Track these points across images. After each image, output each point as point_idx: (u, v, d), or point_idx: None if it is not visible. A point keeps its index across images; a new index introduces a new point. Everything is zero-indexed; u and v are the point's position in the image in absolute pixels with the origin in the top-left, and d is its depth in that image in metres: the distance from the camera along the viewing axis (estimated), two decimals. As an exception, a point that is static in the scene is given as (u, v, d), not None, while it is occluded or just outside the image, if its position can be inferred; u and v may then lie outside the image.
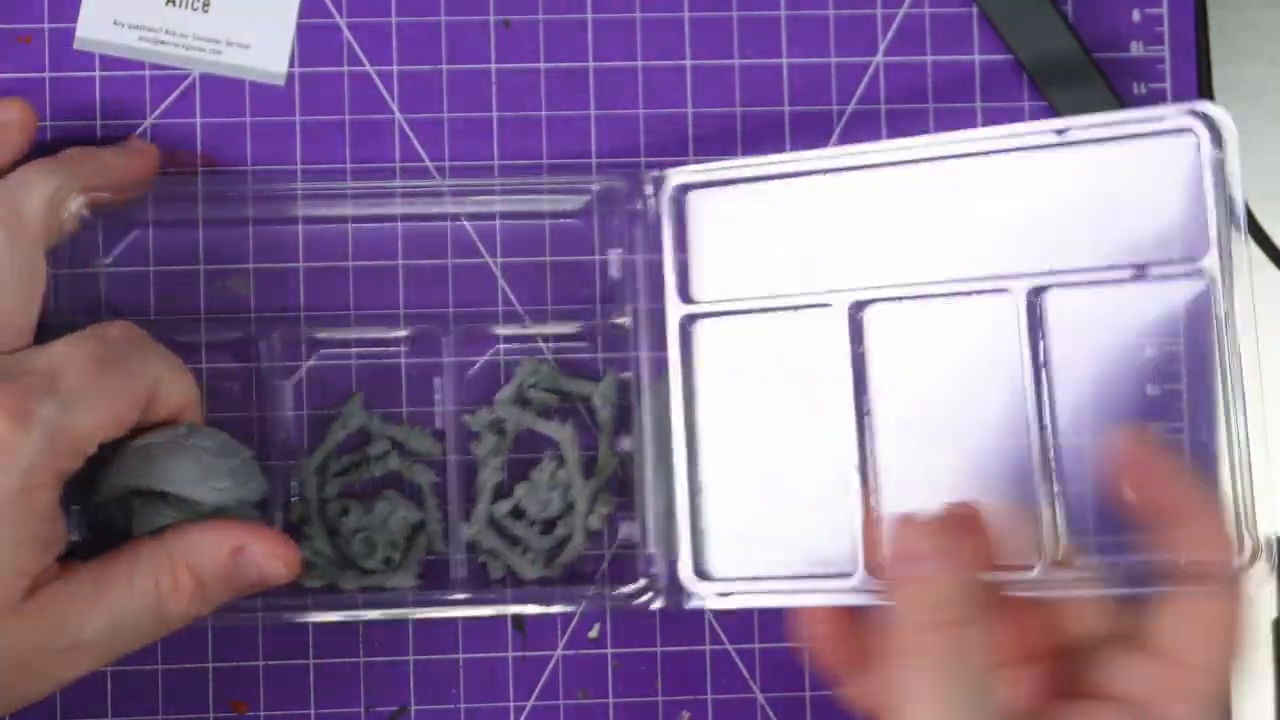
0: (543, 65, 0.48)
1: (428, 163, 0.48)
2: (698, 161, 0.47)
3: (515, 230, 0.48)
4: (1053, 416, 0.42)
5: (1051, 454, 0.41)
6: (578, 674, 0.48)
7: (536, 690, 0.48)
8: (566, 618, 0.48)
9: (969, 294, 0.43)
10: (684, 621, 0.47)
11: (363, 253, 0.47)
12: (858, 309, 0.44)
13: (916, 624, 0.38)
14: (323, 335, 0.47)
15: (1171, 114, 0.41)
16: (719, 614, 0.47)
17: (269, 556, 0.42)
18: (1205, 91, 0.49)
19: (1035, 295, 0.42)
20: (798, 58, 0.49)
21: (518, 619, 0.48)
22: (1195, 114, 0.40)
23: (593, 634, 0.48)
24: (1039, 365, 0.42)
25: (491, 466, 0.47)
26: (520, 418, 0.47)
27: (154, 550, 0.41)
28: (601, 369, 0.48)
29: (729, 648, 0.48)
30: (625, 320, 0.47)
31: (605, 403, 0.47)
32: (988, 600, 0.38)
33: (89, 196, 0.43)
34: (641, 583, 0.45)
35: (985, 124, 0.46)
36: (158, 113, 0.47)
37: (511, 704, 0.48)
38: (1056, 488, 0.41)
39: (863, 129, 0.49)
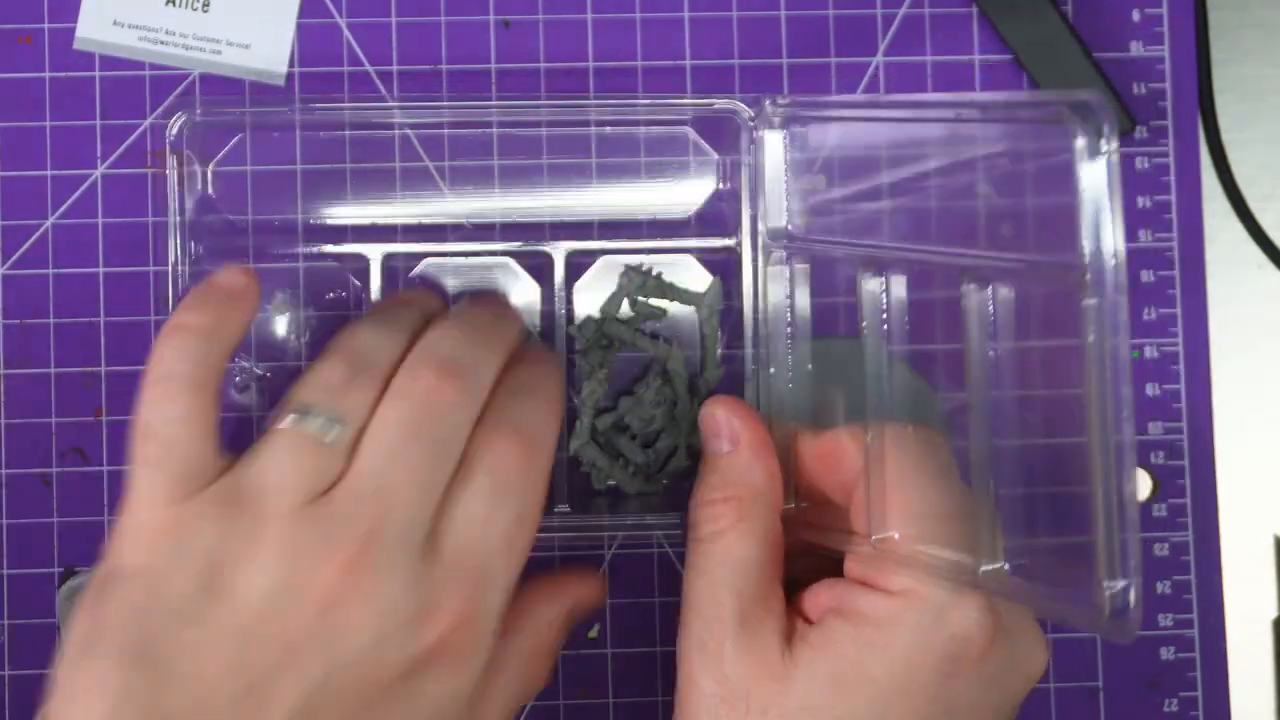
0: (543, 65, 0.48)
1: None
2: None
3: (621, 146, 0.48)
4: (994, 411, 0.40)
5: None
6: (578, 674, 0.48)
7: (536, 690, 0.48)
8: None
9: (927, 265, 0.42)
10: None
11: (465, 165, 0.48)
12: (866, 267, 0.43)
13: (705, 500, 0.42)
14: (428, 247, 0.47)
15: (1052, 101, 0.37)
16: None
17: (591, 597, 0.44)
18: (1205, 91, 0.49)
19: (972, 281, 0.40)
20: (798, 58, 0.49)
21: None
22: (1072, 105, 0.36)
23: (593, 634, 0.48)
24: (982, 354, 0.40)
25: (596, 379, 0.47)
26: (627, 333, 0.47)
27: (503, 657, 0.42)
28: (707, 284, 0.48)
29: (729, 648, 0.48)
30: (732, 241, 0.47)
31: (710, 312, 0.47)
32: (777, 509, 0.42)
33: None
34: None
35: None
36: (158, 113, 0.48)
37: (511, 704, 0.47)
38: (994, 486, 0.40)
39: (863, 129, 0.49)
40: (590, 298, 0.48)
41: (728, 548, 0.41)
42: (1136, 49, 0.49)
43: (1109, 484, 0.35)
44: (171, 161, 0.45)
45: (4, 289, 0.47)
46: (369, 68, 0.48)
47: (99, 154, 0.47)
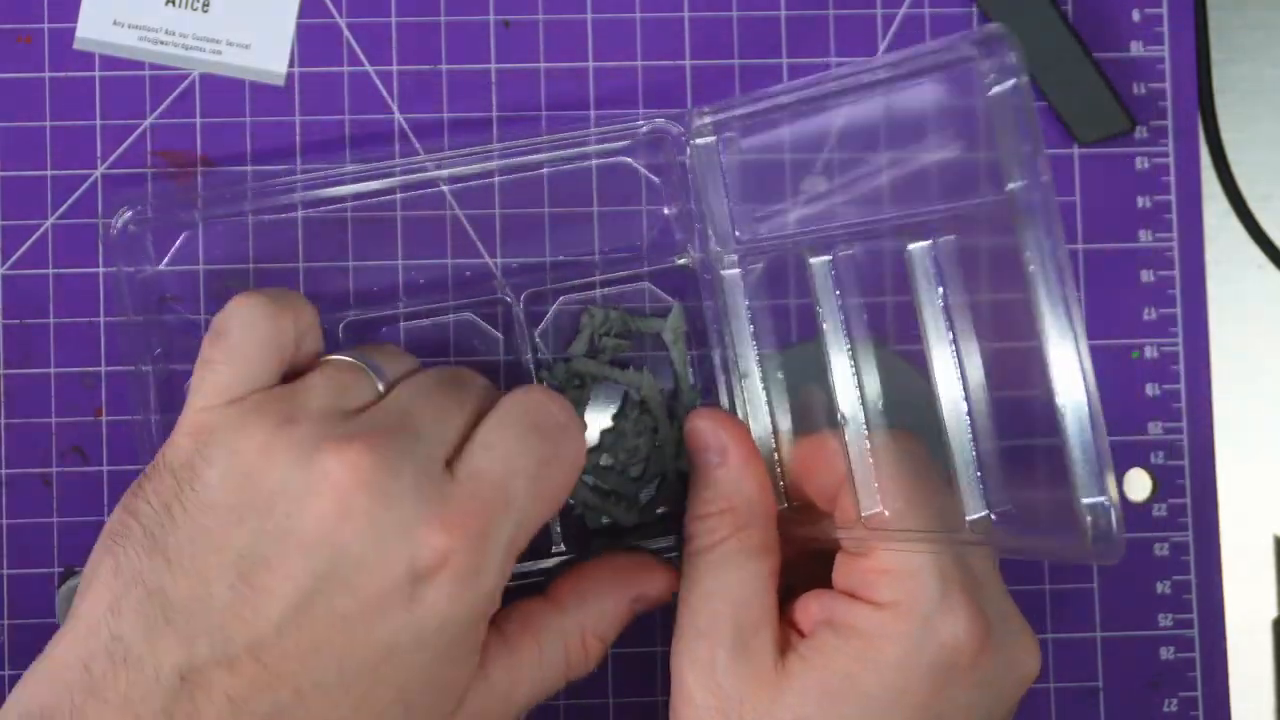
0: (543, 65, 0.48)
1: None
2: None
3: (563, 180, 0.48)
4: (962, 369, 0.40)
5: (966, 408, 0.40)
6: (578, 674, 0.48)
7: (536, 690, 0.48)
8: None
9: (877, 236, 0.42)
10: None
11: (412, 226, 0.48)
12: (813, 252, 0.43)
13: (700, 514, 0.42)
14: (386, 311, 0.47)
15: (955, 44, 0.37)
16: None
17: (659, 589, 0.43)
18: (1205, 91, 0.49)
19: (915, 238, 0.40)
20: (798, 58, 0.49)
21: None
22: (976, 42, 0.36)
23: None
24: (944, 313, 0.40)
25: None
26: (596, 369, 0.47)
27: (557, 626, 0.42)
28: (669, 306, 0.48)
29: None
30: (686, 260, 0.47)
31: (676, 337, 0.47)
32: (771, 513, 0.42)
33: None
34: None
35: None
36: (158, 113, 0.48)
37: (511, 704, 0.47)
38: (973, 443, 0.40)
39: (863, 129, 0.49)
40: (554, 341, 0.48)
41: (724, 559, 0.41)
42: (1136, 49, 0.49)
43: (1072, 400, 0.35)
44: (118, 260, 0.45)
45: (4, 289, 0.47)
46: (369, 68, 0.48)
47: (99, 154, 0.47)
